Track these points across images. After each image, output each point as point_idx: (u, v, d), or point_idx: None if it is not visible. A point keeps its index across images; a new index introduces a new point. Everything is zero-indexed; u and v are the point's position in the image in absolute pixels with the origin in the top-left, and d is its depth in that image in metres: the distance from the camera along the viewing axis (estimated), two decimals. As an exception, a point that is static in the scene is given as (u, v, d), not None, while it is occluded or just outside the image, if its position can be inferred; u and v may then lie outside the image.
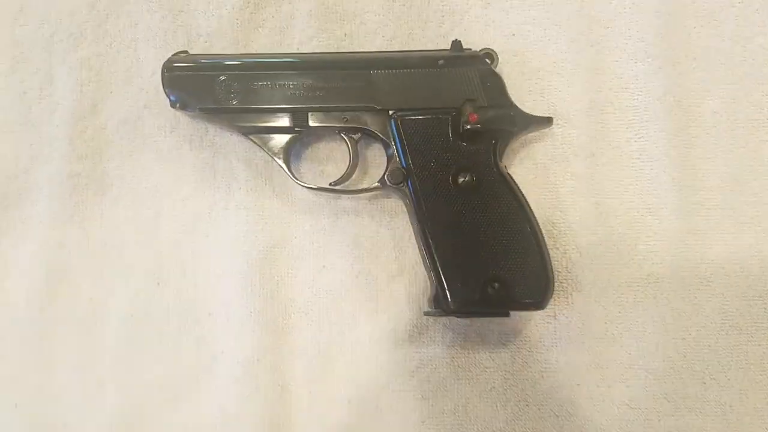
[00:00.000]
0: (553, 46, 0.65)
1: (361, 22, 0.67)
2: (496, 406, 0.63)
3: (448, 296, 0.58)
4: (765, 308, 0.63)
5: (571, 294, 0.63)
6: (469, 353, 0.63)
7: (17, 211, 0.67)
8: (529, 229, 0.58)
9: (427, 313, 0.62)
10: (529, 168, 0.64)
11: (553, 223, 0.64)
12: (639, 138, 0.64)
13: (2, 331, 0.67)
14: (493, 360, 0.63)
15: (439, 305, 0.59)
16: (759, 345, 0.62)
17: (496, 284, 0.58)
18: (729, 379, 0.62)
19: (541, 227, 0.60)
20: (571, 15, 0.66)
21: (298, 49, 0.67)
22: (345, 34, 0.67)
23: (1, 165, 0.68)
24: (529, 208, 0.59)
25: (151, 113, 0.67)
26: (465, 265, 0.58)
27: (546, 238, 0.60)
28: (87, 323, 0.66)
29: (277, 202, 0.66)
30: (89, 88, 0.68)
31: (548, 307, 0.60)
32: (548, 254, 0.59)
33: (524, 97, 0.64)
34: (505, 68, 0.63)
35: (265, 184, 0.66)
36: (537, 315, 0.63)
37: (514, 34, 0.66)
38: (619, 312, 0.63)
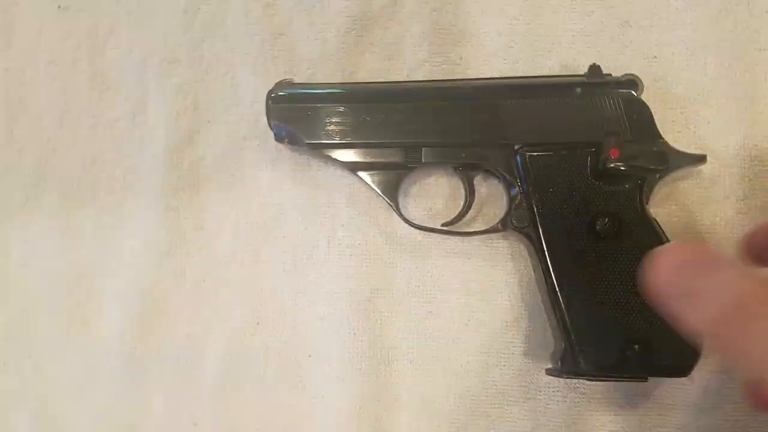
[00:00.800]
0: (701, 71, 0.58)
1: (479, 44, 0.61)
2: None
3: (580, 358, 0.53)
4: None
5: (708, 355, 0.55)
6: (592, 415, 0.58)
7: (111, 242, 0.65)
8: None
9: (549, 372, 0.57)
10: (672, 211, 0.58)
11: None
12: None
13: (95, 368, 0.65)
14: (618, 424, 0.57)
15: (566, 365, 0.54)
16: None
17: (636, 347, 0.52)
18: None
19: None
20: (722, 36, 0.59)
21: (408, 75, 0.62)
22: (461, 58, 0.61)
23: (94, 195, 0.66)
24: None
25: (251, 145, 0.64)
26: (601, 324, 0.53)
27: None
28: (183, 362, 0.64)
29: (381, 242, 0.62)
30: (185, 117, 0.65)
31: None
32: None
33: (668, 129, 0.56)
34: (646, 97, 0.55)
35: (370, 222, 0.62)
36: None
37: (655, 57, 0.59)
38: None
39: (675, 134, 0.57)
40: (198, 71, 0.66)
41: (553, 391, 0.59)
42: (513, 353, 0.60)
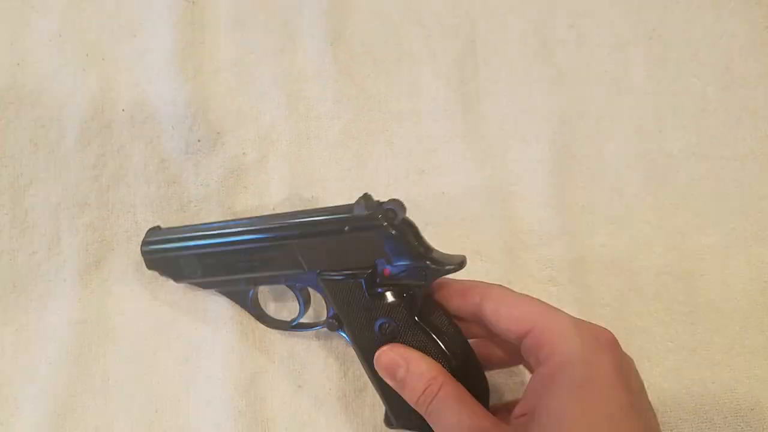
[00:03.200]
0: (473, 200, 0.92)
1: (324, 187, 0.92)
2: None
3: (392, 419, 0.76)
4: (657, 398, 0.85)
5: (504, 396, 0.85)
6: None
7: (28, 354, 0.85)
8: (456, 365, 0.72)
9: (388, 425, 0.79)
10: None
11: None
12: (546, 268, 0.90)
13: None
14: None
15: (387, 423, 0.77)
16: None
17: None
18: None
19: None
20: (485, 177, 0.93)
21: (273, 208, 0.90)
22: (312, 196, 0.91)
23: (13, 316, 0.86)
24: (445, 345, 0.73)
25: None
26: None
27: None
28: (92, 452, 0.82)
29: (258, 334, 0.87)
30: (93, 248, 0.88)
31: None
32: None
33: (455, 226, 0.90)
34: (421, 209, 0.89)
35: (249, 319, 0.86)
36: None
37: (443, 193, 0.92)
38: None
39: (459, 242, 0.90)
40: (104, 212, 0.90)
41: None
42: (364, 412, 0.85)
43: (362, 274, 0.73)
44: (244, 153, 0.92)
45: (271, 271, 0.78)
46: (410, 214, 0.87)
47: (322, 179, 0.93)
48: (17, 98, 0.93)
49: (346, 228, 0.73)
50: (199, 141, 0.92)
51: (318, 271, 0.75)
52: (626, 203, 0.94)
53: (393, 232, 0.71)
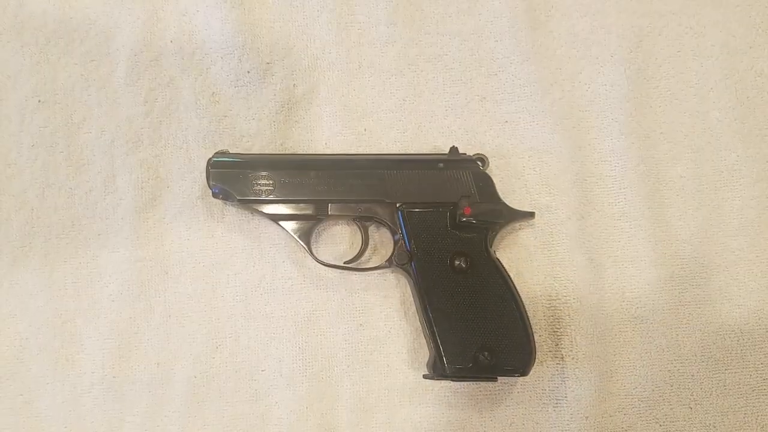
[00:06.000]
0: (540, 128, 0.87)
1: (378, 119, 0.89)
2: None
3: (445, 363, 0.77)
4: (737, 340, 0.82)
5: (575, 338, 0.82)
6: (464, 409, 0.84)
7: (90, 291, 0.87)
8: (514, 306, 0.78)
9: (425, 377, 0.81)
10: (515, 252, 0.86)
11: (554, 277, 0.84)
12: (618, 202, 0.86)
13: (80, 398, 0.85)
14: (510, 393, 0.84)
15: (436, 370, 0.79)
16: (734, 373, 0.82)
17: (486, 353, 0.76)
18: (711, 403, 0.82)
19: (532, 297, 0.82)
20: (553, 102, 0.88)
21: (326, 144, 0.88)
22: (365, 129, 0.89)
23: (73, 253, 0.88)
24: (515, 288, 0.79)
25: (204, 203, 0.88)
26: (459, 336, 0.77)
27: (549, 292, 0.83)
28: (155, 385, 0.85)
29: (316, 273, 0.86)
30: (148, 184, 0.89)
31: (556, 349, 0.82)
32: (531, 329, 0.78)
33: (519, 157, 0.87)
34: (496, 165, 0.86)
35: (305, 258, 0.86)
36: (548, 356, 0.83)
37: (507, 121, 0.88)
38: (614, 350, 0.83)
39: (530, 167, 0.87)
40: (157, 148, 0.89)
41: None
42: (425, 353, 0.84)
43: (446, 208, 0.79)
44: (294, 84, 0.90)
45: (350, 196, 0.82)
46: (470, 146, 0.86)
47: (375, 110, 0.90)
48: (66, 32, 0.92)
49: (441, 165, 0.81)
50: (248, 72, 0.90)
51: (399, 204, 0.81)
52: (710, 130, 0.88)
53: (486, 171, 0.82)
